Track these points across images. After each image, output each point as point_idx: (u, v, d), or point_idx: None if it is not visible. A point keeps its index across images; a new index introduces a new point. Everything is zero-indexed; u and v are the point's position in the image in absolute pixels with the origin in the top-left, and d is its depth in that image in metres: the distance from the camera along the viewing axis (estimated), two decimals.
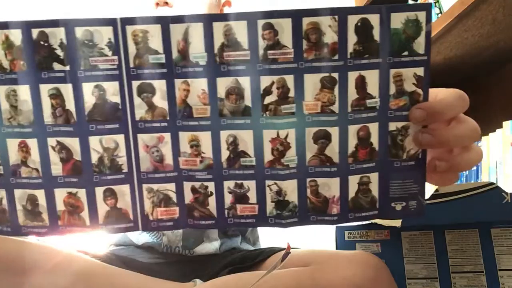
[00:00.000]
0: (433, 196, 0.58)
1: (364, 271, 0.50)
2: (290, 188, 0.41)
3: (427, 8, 0.37)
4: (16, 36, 0.38)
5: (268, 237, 0.96)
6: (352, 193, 0.41)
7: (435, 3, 1.36)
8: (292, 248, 0.48)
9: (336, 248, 0.62)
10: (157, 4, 0.76)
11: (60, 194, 0.41)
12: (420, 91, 0.39)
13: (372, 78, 0.39)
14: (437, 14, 1.35)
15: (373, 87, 0.39)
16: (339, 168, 0.40)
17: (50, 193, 0.40)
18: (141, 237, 0.76)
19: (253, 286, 0.47)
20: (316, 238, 1.14)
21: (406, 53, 0.38)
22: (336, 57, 0.38)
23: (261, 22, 0.37)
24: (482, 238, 0.57)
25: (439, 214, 0.58)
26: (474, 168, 1.25)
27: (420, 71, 0.38)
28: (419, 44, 0.38)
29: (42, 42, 0.38)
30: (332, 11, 0.37)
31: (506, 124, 1.16)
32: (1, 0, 1.65)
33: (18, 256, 0.49)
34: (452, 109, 0.39)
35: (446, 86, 0.41)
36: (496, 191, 0.55)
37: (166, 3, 0.76)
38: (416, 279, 0.58)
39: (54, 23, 0.37)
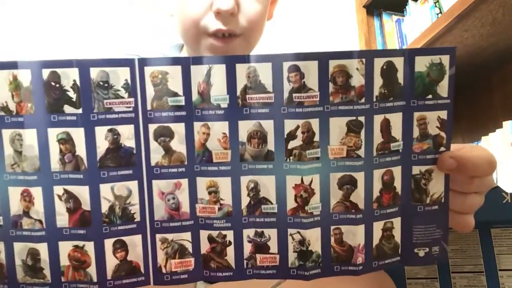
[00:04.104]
0: None
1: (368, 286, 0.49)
2: (314, 237, 0.38)
3: (451, 52, 0.37)
4: (25, 76, 0.35)
5: None
6: (376, 240, 0.39)
7: (435, 3, 1.36)
8: None
9: None
10: None
11: (65, 248, 0.37)
12: (443, 134, 0.38)
13: (396, 121, 0.38)
14: (437, 14, 1.35)
15: (397, 130, 0.38)
16: (364, 214, 0.38)
17: (53, 246, 0.37)
18: None
19: None
20: None
21: (430, 96, 0.38)
22: (363, 100, 0.37)
23: (287, 64, 0.36)
24: (482, 238, 0.57)
25: None
26: None
27: (443, 114, 0.38)
28: (443, 88, 0.38)
29: (53, 83, 0.35)
30: (359, 54, 0.36)
31: (506, 124, 1.16)
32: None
33: None
34: (479, 172, 0.39)
35: None
36: (496, 191, 0.55)
37: None
38: (416, 279, 0.58)
39: (68, 63, 0.35)
